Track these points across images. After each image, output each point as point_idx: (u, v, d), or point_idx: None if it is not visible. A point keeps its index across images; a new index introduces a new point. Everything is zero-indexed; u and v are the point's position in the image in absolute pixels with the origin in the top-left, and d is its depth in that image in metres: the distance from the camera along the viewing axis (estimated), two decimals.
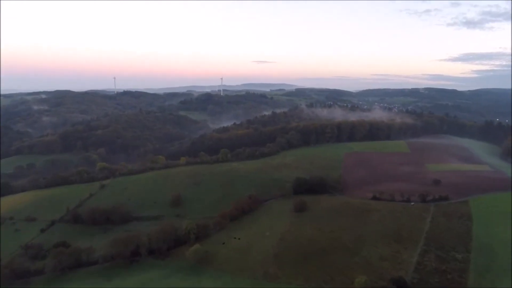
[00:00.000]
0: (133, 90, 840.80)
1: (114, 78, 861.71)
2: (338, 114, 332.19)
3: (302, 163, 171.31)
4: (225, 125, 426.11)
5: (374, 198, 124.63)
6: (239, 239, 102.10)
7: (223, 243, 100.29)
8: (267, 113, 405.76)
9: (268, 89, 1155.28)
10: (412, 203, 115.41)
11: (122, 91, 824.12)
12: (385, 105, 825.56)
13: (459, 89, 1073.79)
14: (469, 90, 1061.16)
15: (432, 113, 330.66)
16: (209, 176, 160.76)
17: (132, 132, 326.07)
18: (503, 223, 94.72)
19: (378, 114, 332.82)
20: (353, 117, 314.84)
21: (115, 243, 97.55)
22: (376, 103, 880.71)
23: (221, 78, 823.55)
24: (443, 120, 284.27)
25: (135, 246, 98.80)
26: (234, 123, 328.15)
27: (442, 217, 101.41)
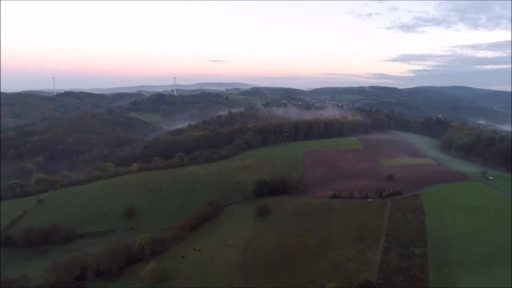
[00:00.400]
0: (76, 91, 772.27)
1: (53, 77, 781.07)
2: (293, 113, 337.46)
3: (263, 164, 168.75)
4: (179, 126, 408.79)
5: (335, 196, 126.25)
6: (200, 250, 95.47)
7: (183, 257, 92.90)
8: (223, 113, 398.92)
9: (223, 88, 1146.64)
10: (370, 200, 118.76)
11: (63, 91, 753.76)
12: (336, 102, 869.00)
13: (399, 87, 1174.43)
14: (407, 88, 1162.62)
15: (379, 110, 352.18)
16: (165, 183, 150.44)
17: (76, 136, 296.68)
18: (452, 215, 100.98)
19: (331, 112, 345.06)
20: (308, 115, 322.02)
21: (55, 268, 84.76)
22: (327, 101, 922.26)
23: (174, 78, 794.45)
24: (389, 117, 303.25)
25: (81, 269, 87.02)
26: (190, 124, 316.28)
27: (398, 212, 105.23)
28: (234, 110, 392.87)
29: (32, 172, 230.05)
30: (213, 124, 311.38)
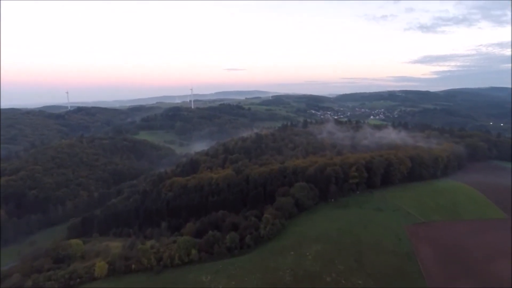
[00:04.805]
0: (89, 106, 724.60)
1: (67, 92, 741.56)
2: (342, 136, 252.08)
3: (340, 262, 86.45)
4: (195, 149, 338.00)
5: None
6: None
7: None
8: (247, 132, 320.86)
9: (243, 97, 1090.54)
10: None
11: (76, 107, 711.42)
12: (367, 110, 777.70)
13: (431, 89, 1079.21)
14: (441, 91, 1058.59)
15: (463, 128, 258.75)
16: None
17: (60, 174, 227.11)
18: None
19: (391, 134, 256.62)
20: (364, 139, 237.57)
21: None
22: (356, 108, 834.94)
23: (191, 89, 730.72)
24: (490, 140, 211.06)
25: None
26: (207, 154, 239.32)
27: None
28: (262, 130, 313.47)
29: None
30: (237, 152, 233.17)
